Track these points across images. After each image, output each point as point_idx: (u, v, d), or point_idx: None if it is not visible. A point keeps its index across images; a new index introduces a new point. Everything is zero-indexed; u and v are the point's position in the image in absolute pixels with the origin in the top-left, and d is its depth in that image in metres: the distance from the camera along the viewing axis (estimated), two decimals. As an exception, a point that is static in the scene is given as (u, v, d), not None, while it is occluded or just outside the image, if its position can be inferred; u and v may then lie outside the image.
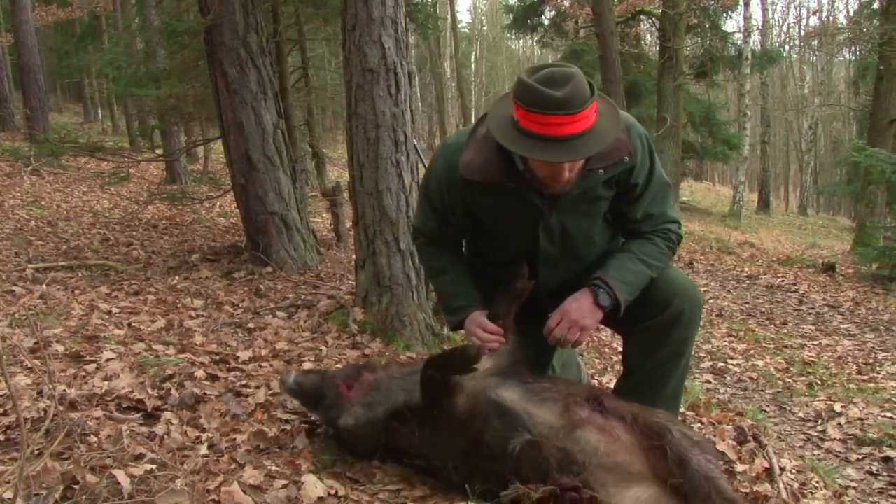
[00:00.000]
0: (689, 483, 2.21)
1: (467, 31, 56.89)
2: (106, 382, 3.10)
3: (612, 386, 3.47)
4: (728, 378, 5.41)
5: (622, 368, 3.04)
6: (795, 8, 64.14)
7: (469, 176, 2.62)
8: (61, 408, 2.73)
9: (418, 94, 39.11)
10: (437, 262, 2.98)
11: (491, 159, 2.60)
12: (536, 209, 2.67)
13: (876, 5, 20.86)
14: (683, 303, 2.76)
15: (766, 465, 3.17)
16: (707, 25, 20.00)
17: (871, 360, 6.05)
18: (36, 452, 2.34)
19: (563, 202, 2.65)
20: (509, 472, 2.34)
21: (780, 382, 5.26)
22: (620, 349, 3.16)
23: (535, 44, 28.34)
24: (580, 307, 2.66)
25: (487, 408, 2.46)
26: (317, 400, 2.89)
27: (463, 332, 2.90)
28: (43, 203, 10.08)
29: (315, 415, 3.00)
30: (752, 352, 6.22)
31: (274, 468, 2.54)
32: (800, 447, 3.99)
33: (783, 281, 10.48)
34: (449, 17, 33.34)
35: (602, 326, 4.17)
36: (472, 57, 54.15)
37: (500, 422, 2.42)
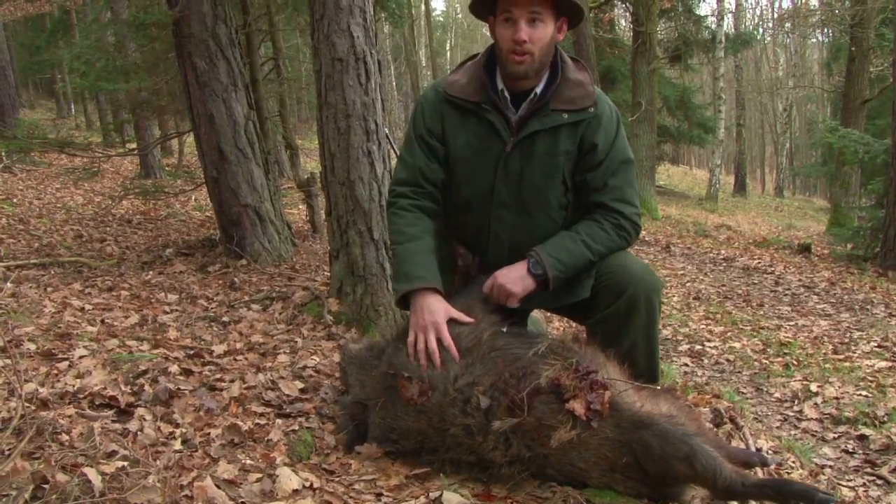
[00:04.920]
0: None
1: (442, 19, 56.89)
2: (78, 380, 3.06)
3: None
4: (705, 360, 5.43)
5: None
6: (768, -10, 64.31)
7: (451, 92, 2.82)
8: (32, 407, 2.70)
9: (394, 83, 39.06)
10: (413, 228, 2.84)
11: (473, 78, 2.80)
12: (501, 144, 2.75)
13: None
14: (639, 289, 2.74)
15: (743, 446, 3.20)
16: (680, 9, 20.04)
17: (846, 340, 6.09)
18: (6, 453, 2.30)
19: (527, 141, 2.73)
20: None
21: (756, 364, 5.29)
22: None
23: (509, 31, 28.13)
24: (508, 274, 2.75)
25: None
26: None
27: (413, 310, 2.72)
28: (15, 201, 9.94)
29: None
30: (729, 334, 6.25)
31: (248, 462, 2.53)
32: (777, 427, 4.02)
33: (759, 263, 10.55)
34: (423, 5, 33.27)
35: (567, 320, 4.13)
36: (447, 45, 54.22)
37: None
